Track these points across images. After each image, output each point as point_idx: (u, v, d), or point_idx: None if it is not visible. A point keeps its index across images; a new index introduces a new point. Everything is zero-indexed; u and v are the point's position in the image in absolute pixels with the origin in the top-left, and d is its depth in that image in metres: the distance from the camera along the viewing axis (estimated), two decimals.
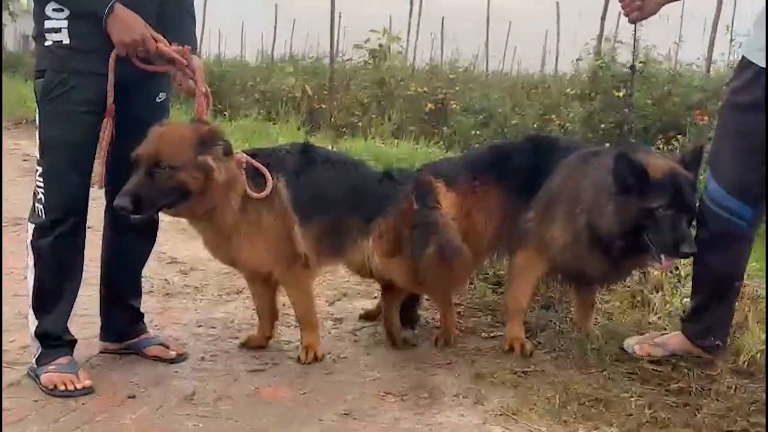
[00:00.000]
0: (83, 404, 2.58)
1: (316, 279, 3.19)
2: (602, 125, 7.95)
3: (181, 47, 2.66)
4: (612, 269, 3.04)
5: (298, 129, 10.41)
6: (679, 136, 6.86)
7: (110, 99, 2.61)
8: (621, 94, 7.99)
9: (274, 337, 3.23)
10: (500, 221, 3.28)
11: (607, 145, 5.38)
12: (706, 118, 7.30)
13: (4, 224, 4.45)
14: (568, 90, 9.42)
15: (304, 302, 3.06)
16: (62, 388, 2.63)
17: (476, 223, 3.28)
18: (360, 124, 10.08)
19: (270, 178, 2.83)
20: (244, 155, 2.83)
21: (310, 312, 3.07)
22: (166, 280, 4.09)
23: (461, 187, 3.30)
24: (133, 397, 2.67)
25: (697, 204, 2.88)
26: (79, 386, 2.65)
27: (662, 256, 2.77)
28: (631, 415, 2.60)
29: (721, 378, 2.89)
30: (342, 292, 4.03)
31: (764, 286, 3.47)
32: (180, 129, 2.69)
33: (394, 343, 3.24)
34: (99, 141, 2.65)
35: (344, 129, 9.89)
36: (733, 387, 2.82)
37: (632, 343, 3.14)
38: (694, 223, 2.89)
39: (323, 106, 11.16)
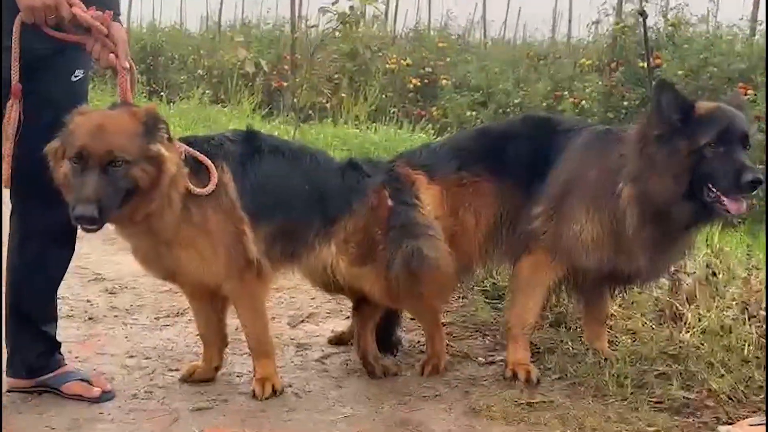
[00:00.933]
0: None
1: (269, 294, 3.22)
2: (624, 102, 8.06)
3: (101, 12, 2.68)
4: (658, 257, 3.13)
5: (253, 112, 10.45)
6: None
7: (15, 76, 2.62)
8: (647, 64, 8.10)
9: (222, 368, 3.25)
10: (494, 221, 3.33)
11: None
12: (751, 91, 7.43)
13: None
14: (584, 60, 9.54)
15: (258, 323, 3.08)
16: None
17: (465, 223, 3.33)
18: (329, 105, 10.13)
19: (213, 168, 2.86)
20: (182, 144, 2.86)
21: (264, 336, 3.10)
22: (88, 301, 4.10)
23: (445, 180, 3.32)
24: None
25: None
26: None
27: (725, 200, 2.88)
28: None
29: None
30: (306, 312, 4.06)
31: None
32: (117, 116, 2.68)
33: (371, 373, 3.28)
34: (2, 128, 2.66)
35: (310, 112, 9.92)
36: None
37: None
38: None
39: (283, 84, 11.21)
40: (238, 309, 3.09)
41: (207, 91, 11.93)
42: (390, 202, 3.18)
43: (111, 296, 4.23)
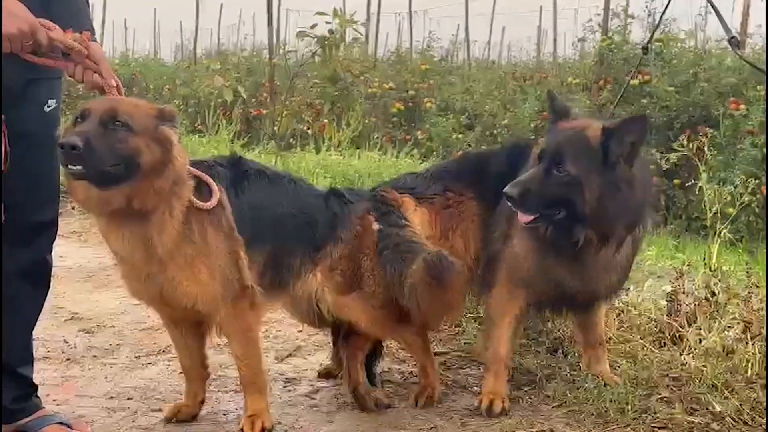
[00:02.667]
0: None
1: (261, 324, 3.22)
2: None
3: (78, 34, 2.70)
4: (584, 272, 3.15)
5: (231, 142, 10.46)
6: (709, 130, 7.04)
7: None
8: (636, 81, 8.20)
9: (208, 406, 3.23)
10: (480, 244, 3.37)
11: None
12: (742, 106, 7.54)
13: None
14: (570, 79, 9.64)
15: (252, 355, 3.05)
16: None
17: (455, 247, 3.35)
18: (311, 132, 10.17)
19: (215, 186, 2.89)
20: None
21: (258, 368, 3.07)
22: (65, 341, 4.08)
23: (433, 202, 3.39)
24: None
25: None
26: None
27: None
28: None
29: None
30: (294, 346, 4.06)
31: None
32: (135, 100, 2.83)
33: (363, 406, 3.27)
34: None
35: (291, 140, 9.96)
36: None
37: None
38: None
39: (262, 112, 11.25)
40: (231, 340, 3.07)
41: (184, 122, 11.97)
42: (376, 226, 3.22)
43: (89, 336, 4.21)
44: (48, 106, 2.88)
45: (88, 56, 2.71)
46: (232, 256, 2.92)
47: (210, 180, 2.89)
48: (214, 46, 17.43)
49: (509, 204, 3.02)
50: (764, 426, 3.00)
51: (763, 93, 7.31)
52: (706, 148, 4.59)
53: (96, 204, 2.72)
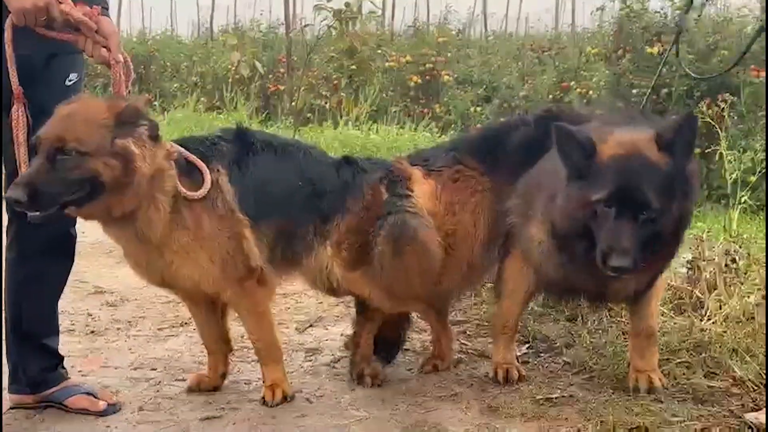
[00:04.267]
0: None
1: (273, 299, 3.20)
2: (634, 90, 8.07)
3: (88, 8, 2.71)
4: (598, 281, 2.92)
5: (250, 118, 10.49)
6: (730, 97, 6.95)
7: (15, 81, 2.65)
8: (656, 50, 8.11)
9: (230, 376, 3.27)
10: (494, 220, 3.27)
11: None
12: (763, 73, 7.44)
13: None
14: (589, 49, 9.57)
15: (264, 330, 3.09)
16: None
17: (463, 221, 3.25)
18: (328, 106, 10.17)
19: (207, 172, 2.87)
20: (175, 146, 2.88)
21: (271, 341, 3.11)
22: (89, 315, 4.14)
23: (441, 174, 3.28)
24: None
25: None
26: None
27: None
28: None
29: None
30: (315, 317, 4.09)
31: None
32: (92, 106, 2.72)
33: (359, 376, 3.26)
34: (12, 136, 2.69)
35: (309, 115, 9.96)
36: None
37: None
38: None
39: (280, 87, 11.25)
40: (242, 317, 3.11)
41: (201, 99, 11.99)
42: (386, 197, 3.17)
43: (112, 309, 4.27)
44: (69, 80, 2.91)
45: (97, 30, 2.72)
46: (233, 239, 2.91)
47: (203, 166, 2.87)
48: (230, 22, 17.38)
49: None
50: None
51: None
52: (726, 115, 4.54)
53: (79, 215, 2.78)
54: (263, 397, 3.08)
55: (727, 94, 6.76)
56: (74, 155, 2.60)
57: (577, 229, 2.79)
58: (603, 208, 2.68)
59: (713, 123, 4.68)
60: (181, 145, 2.93)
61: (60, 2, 2.64)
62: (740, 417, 2.85)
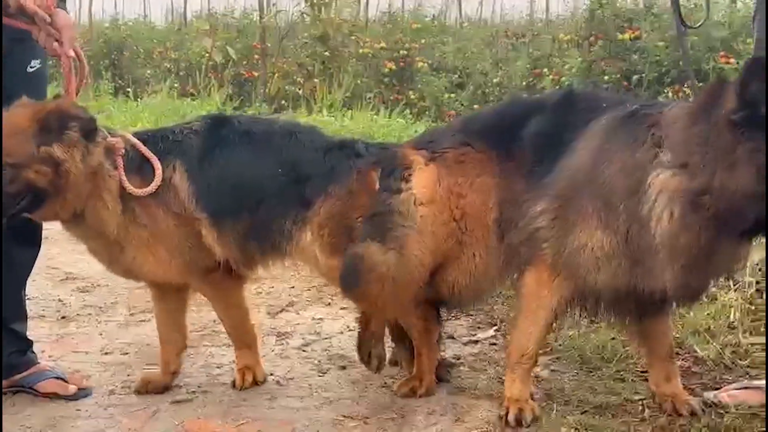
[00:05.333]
0: None
1: (247, 287, 3.21)
2: (605, 76, 8.19)
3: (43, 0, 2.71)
4: (694, 271, 2.53)
5: (224, 104, 10.47)
6: (696, 84, 7.07)
7: None
8: (626, 36, 8.24)
9: (201, 360, 3.32)
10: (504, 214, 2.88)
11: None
12: (732, 60, 7.56)
13: None
14: (562, 36, 9.67)
15: (235, 317, 3.13)
16: None
17: (472, 200, 2.90)
18: (302, 93, 10.17)
19: (158, 167, 2.86)
20: (129, 138, 2.89)
21: (244, 327, 3.14)
22: (60, 300, 4.16)
23: (446, 156, 2.95)
24: None
25: None
26: None
27: None
28: (644, 420, 2.76)
29: (755, 370, 3.06)
30: (286, 302, 4.13)
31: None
32: (17, 115, 2.71)
33: (363, 359, 3.13)
34: None
35: (283, 101, 9.97)
36: None
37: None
38: None
39: (253, 74, 11.24)
40: (212, 303, 3.15)
41: (175, 85, 11.95)
42: (377, 186, 2.94)
43: (84, 295, 4.29)
44: (31, 67, 2.93)
45: (51, 23, 2.72)
46: (190, 235, 2.92)
47: (156, 161, 2.87)
48: (204, 9, 17.29)
49: None
50: (744, 368, 3.09)
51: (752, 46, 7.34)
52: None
53: (35, 219, 2.84)
54: (234, 381, 3.12)
55: (698, 82, 6.85)
56: (9, 169, 2.65)
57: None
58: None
59: None
60: (147, 138, 2.95)
61: None
62: (700, 395, 2.91)
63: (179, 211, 2.90)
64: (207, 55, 11.45)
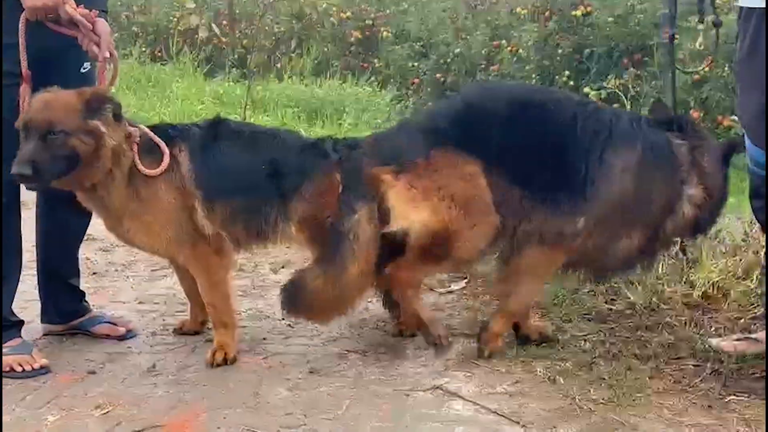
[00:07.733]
0: (44, 383, 3.31)
1: (231, 269, 3.61)
2: (559, 50, 8.87)
3: (87, 11, 3.28)
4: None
5: (195, 70, 10.91)
6: (645, 59, 7.84)
7: (24, 63, 3.22)
8: (579, 12, 8.94)
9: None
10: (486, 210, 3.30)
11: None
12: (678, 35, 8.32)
13: None
14: (519, 9, 10.20)
15: (216, 297, 3.46)
16: (19, 369, 3.35)
17: (456, 191, 3.25)
18: (272, 61, 10.65)
19: (166, 150, 3.31)
20: (140, 127, 3.40)
21: (223, 307, 3.48)
22: (88, 258, 4.76)
23: (416, 167, 3.26)
24: (93, 372, 3.42)
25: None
26: (36, 366, 3.37)
27: None
28: (585, 351, 3.52)
29: (674, 312, 3.84)
30: (284, 260, 4.81)
31: None
32: (65, 95, 3.19)
33: (430, 338, 3.46)
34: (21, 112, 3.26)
35: (255, 69, 10.45)
36: (684, 320, 3.76)
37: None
38: None
39: (223, 39, 11.69)
40: (197, 280, 3.51)
41: (144, 50, 12.29)
42: (340, 190, 3.38)
43: (107, 254, 4.92)
44: (84, 68, 3.52)
45: (93, 30, 3.29)
46: (184, 210, 3.34)
47: (162, 144, 3.31)
48: None
49: None
50: (666, 312, 3.88)
51: (693, 25, 8.09)
52: (630, 86, 5.35)
53: (58, 185, 3.25)
54: (206, 358, 3.47)
55: (642, 57, 7.57)
56: (61, 135, 3.09)
57: None
58: None
59: (619, 93, 5.49)
60: (156, 128, 3.46)
61: (65, 3, 3.23)
62: (631, 331, 3.70)
63: (179, 185, 3.33)
64: (175, 19, 11.79)
